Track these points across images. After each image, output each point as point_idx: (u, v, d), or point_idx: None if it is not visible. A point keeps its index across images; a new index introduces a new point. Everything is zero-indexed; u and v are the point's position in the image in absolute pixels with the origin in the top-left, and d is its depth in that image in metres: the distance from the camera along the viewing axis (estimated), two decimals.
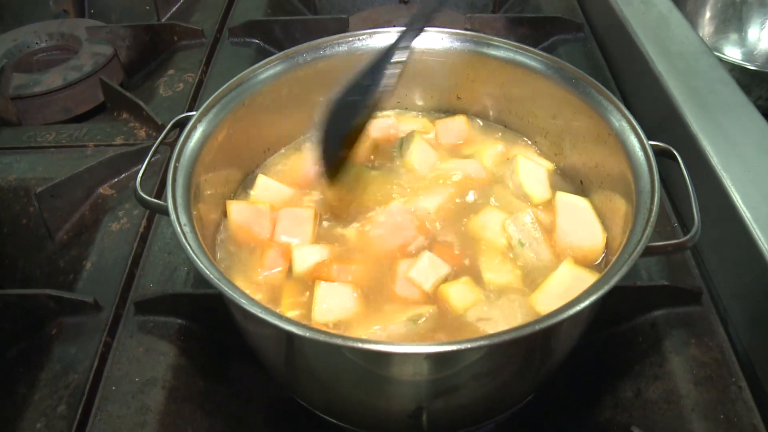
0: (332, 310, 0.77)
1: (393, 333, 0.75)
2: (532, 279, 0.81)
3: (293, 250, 0.83)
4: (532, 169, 0.92)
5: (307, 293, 0.80)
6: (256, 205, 0.88)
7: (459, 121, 1.02)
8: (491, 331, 0.74)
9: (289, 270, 0.83)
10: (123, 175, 1.09)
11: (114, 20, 1.68)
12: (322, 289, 0.78)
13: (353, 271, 0.81)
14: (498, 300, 0.79)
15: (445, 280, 0.80)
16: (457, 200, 0.91)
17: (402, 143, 0.97)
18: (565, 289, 0.76)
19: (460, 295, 0.78)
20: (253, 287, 0.81)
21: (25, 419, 0.78)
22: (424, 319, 0.76)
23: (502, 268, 0.82)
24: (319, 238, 0.87)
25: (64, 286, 0.94)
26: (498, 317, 0.76)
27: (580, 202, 0.87)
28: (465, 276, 0.81)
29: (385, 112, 1.04)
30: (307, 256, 0.83)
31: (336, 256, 0.84)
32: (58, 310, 0.87)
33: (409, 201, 0.90)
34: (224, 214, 0.88)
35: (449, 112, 1.03)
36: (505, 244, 0.85)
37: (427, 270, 0.80)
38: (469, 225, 0.87)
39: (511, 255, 0.84)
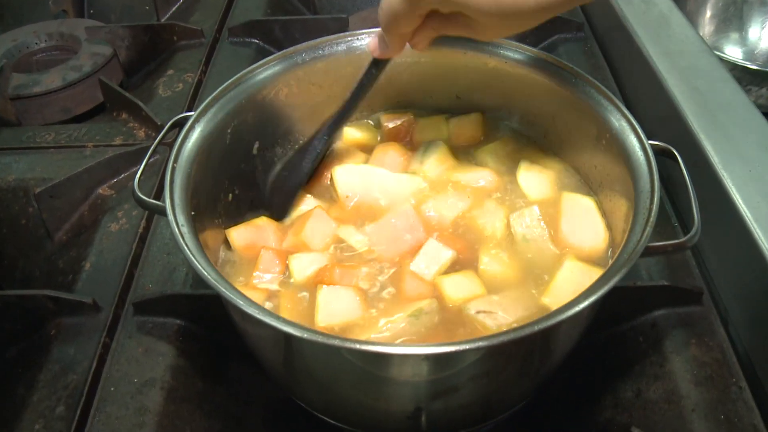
0: (335, 314, 0.76)
1: (396, 331, 0.75)
2: (535, 275, 0.81)
3: (290, 260, 0.83)
4: (536, 174, 0.92)
5: (307, 298, 0.79)
6: (254, 224, 0.88)
7: (474, 120, 1.00)
8: (492, 325, 0.74)
9: (287, 274, 0.82)
10: (122, 176, 1.09)
11: (113, 20, 1.68)
12: (324, 293, 0.78)
13: (356, 275, 0.81)
14: (500, 293, 0.78)
15: (451, 266, 0.81)
16: (465, 204, 0.89)
17: (425, 150, 0.96)
18: (577, 284, 0.76)
19: (454, 286, 0.78)
20: (250, 291, 0.81)
21: (24, 420, 0.78)
22: (425, 313, 0.75)
23: (503, 262, 0.82)
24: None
25: (63, 287, 0.94)
26: (500, 311, 0.75)
27: (585, 202, 0.87)
28: (466, 269, 0.81)
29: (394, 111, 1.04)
30: (306, 266, 0.82)
31: (337, 261, 0.83)
32: (56, 311, 0.87)
33: (421, 205, 0.89)
34: (225, 214, 0.88)
35: (448, 112, 1.02)
36: (508, 240, 0.85)
37: (429, 259, 0.80)
38: (471, 221, 0.87)
39: (515, 251, 0.84)
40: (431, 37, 0.80)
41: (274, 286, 0.82)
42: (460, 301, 0.77)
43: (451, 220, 0.87)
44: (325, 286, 0.78)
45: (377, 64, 0.86)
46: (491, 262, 0.82)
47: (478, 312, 0.75)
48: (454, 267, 0.81)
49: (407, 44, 0.81)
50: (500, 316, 0.75)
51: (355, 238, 0.85)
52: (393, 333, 0.74)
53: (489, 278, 0.80)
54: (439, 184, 0.93)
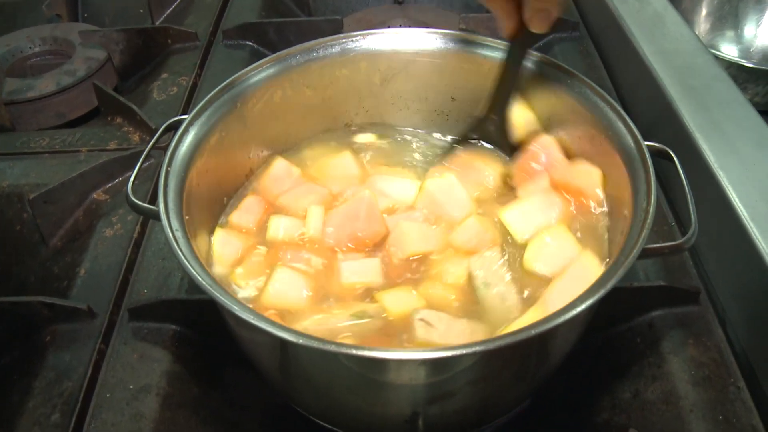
0: (281, 296, 0.78)
1: (334, 328, 0.74)
2: (490, 319, 0.76)
3: (272, 218, 0.86)
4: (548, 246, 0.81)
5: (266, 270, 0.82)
6: (290, 168, 0.93)
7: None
8: (422, 337, 0.72)
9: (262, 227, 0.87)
10: (117, 180, 1.08)
11: (107, 24, 1.67)
12: (278, 273, 0.79)
13: (304, 260, 0.82)
14: (454, 316, 0.76)
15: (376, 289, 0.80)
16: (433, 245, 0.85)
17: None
18: None
19: (395, 301, 0.77)
20: (222, 233, 0.85)
21: (19, 428, 0.77)
22: (369, 316, 0.75)
23: (451, 305, 0.78)
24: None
25: (58, 293, 0.94)
26: (441, 330, 0.73)
27: (594, 267, 0.77)
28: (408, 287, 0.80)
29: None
30: (282, 228, 0.85)
31: (300, 240, 0.85)
32: (51, 317, 0.87)
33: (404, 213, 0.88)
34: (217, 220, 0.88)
35: (443, 113, 1.02)
36: (465, 282, 0.79)
37: (359, 270, 0.80)
38: (434, 261, 0.83)
39: (470, 298, 0.78)
40: (544, 15, 0.78)
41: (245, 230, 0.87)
42: (400, 314, 0.76)
43: (411, 251, 0.83)
44: (284, 267, 0.80)
45: (513, 45, 0.86)
46: (436, 302, 0.78)
47: (421, 319, 0.73)
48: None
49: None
50: (437, 334, 0.72)
51: (313, 220, 0.86)
52: (331, 328, 0.74)
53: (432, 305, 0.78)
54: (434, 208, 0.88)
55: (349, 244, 0.84)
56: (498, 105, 0.91)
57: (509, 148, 0.94)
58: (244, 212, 0.88)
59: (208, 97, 0.85)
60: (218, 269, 0.82)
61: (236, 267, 0.82)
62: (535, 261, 0.79)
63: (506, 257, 0.81)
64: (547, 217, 0.84)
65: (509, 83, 0.89)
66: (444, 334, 0.73)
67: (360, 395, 0.70)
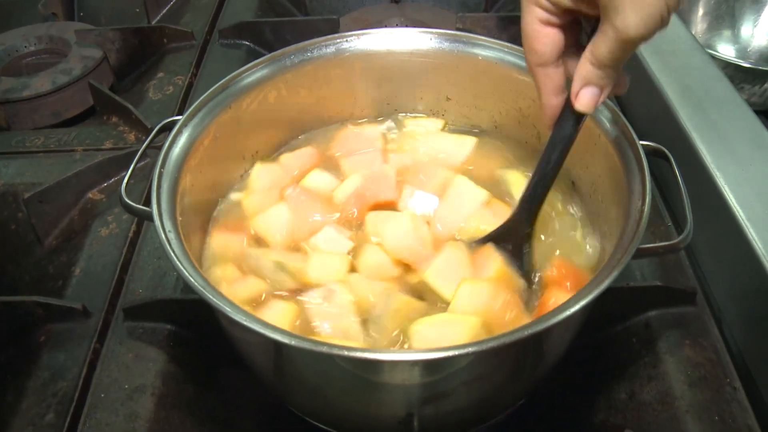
0: (263, 226, 0.85)
1: (259, 266, 0.80)
2: None
3: (315, 169, 0.93)
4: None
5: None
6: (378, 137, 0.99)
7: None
8: (310, 309, 0.76)
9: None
10: (112, 180, 1.08)
11: (103, 23, 1.66)
12: (274, 208, 0.87)
13: (305, 205, 0.87)
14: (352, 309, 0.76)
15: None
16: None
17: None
18: None
19: (316, 267, 0.80)
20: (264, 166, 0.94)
21: (13, 428, 0.77)
22: (287, 271, 0.79)
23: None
24: None
25: (53, 292, 0.94)
26: (330, 316, 0.75)
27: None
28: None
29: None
30: (318, 182, 0.92)
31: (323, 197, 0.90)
32: (46, 317, 0.87)
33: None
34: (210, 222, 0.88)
35: (438, 113, 1.02)
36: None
37: (330, 239, 0.84)
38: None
39: None
40: (593, 92, 0.64)
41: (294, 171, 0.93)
42: (315, 281, 0.79)
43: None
44: (282, 204, 0.87)
45: (553, 139, 0.72)
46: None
47: (329, 289, 0.76)
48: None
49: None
50: (317, 312, 0.75)
51: (346, 186, 0.90)
52: (257, 264, 0.81)
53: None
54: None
55: (353, 205, 0.88)
56: (530, 212, 0.77)
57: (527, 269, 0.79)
58: (295, 158, 0.95)
59: (201, 98, 0.84)
60: (234, 195, 0.91)
61: (253, 194, 0.90)
62: (420, 335, 0.72)
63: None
64: (487, 306, 0.74)
65: (545, 187, 0.75)
66: (325, 317, 0.75)
67: (353, 396, 0.70)
